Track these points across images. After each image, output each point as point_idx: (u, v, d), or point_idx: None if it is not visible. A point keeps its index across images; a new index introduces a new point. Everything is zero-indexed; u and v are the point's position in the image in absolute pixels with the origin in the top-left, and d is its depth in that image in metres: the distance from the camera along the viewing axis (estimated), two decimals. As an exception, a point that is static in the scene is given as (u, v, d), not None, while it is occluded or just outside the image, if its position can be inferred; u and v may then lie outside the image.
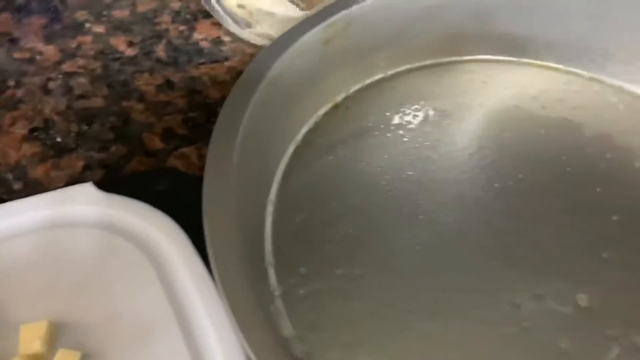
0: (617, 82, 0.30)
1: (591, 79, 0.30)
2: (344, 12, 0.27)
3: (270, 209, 0.25)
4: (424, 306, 0.21)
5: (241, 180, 0.22)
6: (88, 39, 0.34)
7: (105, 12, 0.36)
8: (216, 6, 0.33)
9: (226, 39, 0.34)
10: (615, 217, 0.24)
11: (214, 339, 0.20)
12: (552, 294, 0.22)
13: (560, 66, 0.30)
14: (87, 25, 0.35)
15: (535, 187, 0.25)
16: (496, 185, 0.25)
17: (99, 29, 0.35)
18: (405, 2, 0.29)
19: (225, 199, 0.20)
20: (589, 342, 0.21)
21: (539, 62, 0.31)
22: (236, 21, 0.33)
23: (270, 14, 0.34)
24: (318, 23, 0.26)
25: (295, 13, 0.34)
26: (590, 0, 0.28)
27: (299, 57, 0.26)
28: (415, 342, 0.21)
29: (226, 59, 0.32)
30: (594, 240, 0.23)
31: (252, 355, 0.16)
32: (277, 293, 0.22)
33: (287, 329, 0.21)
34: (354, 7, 0.27)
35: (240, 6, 0.34)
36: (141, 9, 0.36)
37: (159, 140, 0.28)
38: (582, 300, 0.22)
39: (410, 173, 0.26)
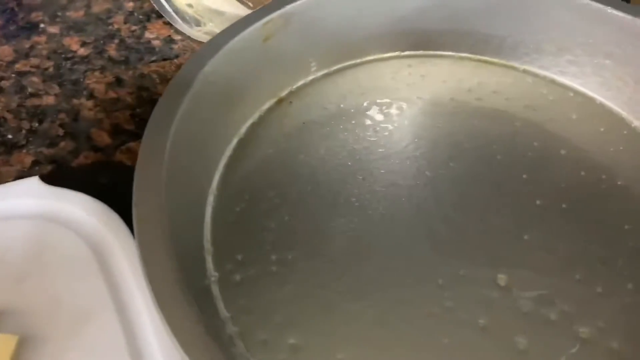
0: (548, 74, 0.31)
1: (525, 71, 0.32)
2: (282, 10, 0.28)
3: (210, 199, 0.26)
4: (352, 288, 0.23)
5: (177, 172, 0.23)
6: (42, 39, 0.35)
7: (59, 13, 0.36)
8: (166, 6, 0.34)
9: (177, 37, 0.35)
10: (538, 202, 0.25)
11: (149, 325, 0.21)
12: (474, 275, 0.23)
13: (496, 60, 0.32)
14: (42, 25, 0.36)
15: (465, 175, 0.26)
16: (427, 173, 0.27)
17: (54, 29, 0.35)
18: (341, 5, 0.30)
19: (155, 191, 0.21)
20: (505, 318, 0.22)
21: (476, 57, 0.32)
22: (186, 20, 0.34)
23: (219, 13, 0.35)
24: (256, 20, 0.27)
25: (245, 12, 0.35)
26: (518, 4, 0.30)
27: (237, 54, 0.27)
28: (342, 321, 0.22)
29: (176, 56, 0.33)
30: (516, 224, 0.25)
31: (171, 337, 0.17)
32: (213, 279, 0.23)
33: (222, 311, 0.22)
34: (293, 5, 0.28)
35: (189, 5, 0.35)
36: (95, 9, 0.37)
37: (107, 135, 0.29)
38: (502, 280, 0.23)
39: (348, 164, 0.27)
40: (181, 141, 0.24)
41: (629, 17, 0.28)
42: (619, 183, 0.26)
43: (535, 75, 0.31)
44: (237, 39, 0.27)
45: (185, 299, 0.18)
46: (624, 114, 0.29)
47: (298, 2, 0.28)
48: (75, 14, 0.36)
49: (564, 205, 0.25)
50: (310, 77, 0.31)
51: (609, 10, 0.28)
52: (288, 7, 0.28)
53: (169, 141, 0.23)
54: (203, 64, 0.26)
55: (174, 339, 0.17)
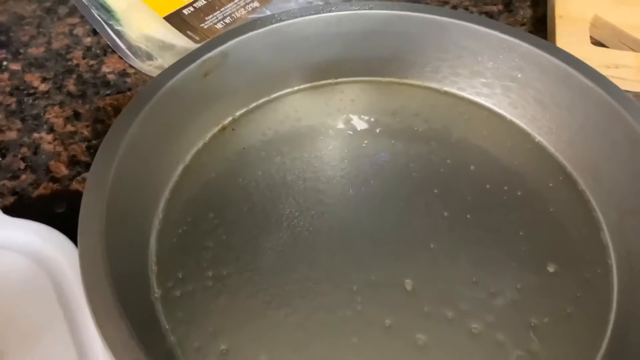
0: (466, 95, 0.34)
1: (445, 93, 0.35)
2: (219, 49, 0.31)
3: (156, 223, 0.29)
4: (277, 297, 0.26)
5: (123, 199, 0.26)
6: (5, 76, 0.38)
7: (22, 50, 0.39)
8: (118, 42, 0.37)
9: (131, 71, 0.38)
10: (446, 214, 0.29)
11: (97, 340, 0.24)
12: (384, 281, 0.26)
13: (419, 82, 0.35)
14: (5, 63, 0.38)
15: (382, 192, 0.30)
16: (350, 191, 0.30)
17: (16, 66, 0.38)
18: (279, 36, 0.33)
19: (99, 220, 0.24)
20: (409, 318, 0.25)
21: (401, 80, 0.35)
22: (138, 55, 0.37)
23: (170, 46, 0.38)
24: (195, 59, 0.30)
25: (193, 45, 0.38)
26: (437, 30, 0.33)
27: (180, 90, 0.30)
28: (267, 327, 0.25)
29: (129, 89, 0.36)
30: (425, 234, 0.28)
31: (107, 349, 0.20)
32: (156, 295, 0.26)
33: (163, 324, 0.25)
34: (228, 44, 0.31)
35: (144, 39, 0.38)
36: (55, 45, 0.40)
37: (64, 167, 0.32)
38: (408, 284, 0.26)
39: (281, 185, 0.30)
40: (127, 171, 0.27)
41: (525, 45, 0.31)
42: (518, 194, 0.30)
43: (455, 96, 0.35)
44: (178, 77, 0.30)
45: (121, 317, 0.21)
46: (528, 130, 0.32)
47: (232, 41, 0.31)
48: (36, 50, 0.39)
49: (468, 216, 0.29)
50: (252, 105, 0.34)
51: (509, 38, 0.31)
52: (223, 46, 0.31)
53: (113, 172, 0.26)
54: (147, 100, 0.29)
55: (109, 352, 0.20)
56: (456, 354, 0.24)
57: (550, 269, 0.27)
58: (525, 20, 0.41)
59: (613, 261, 0.27)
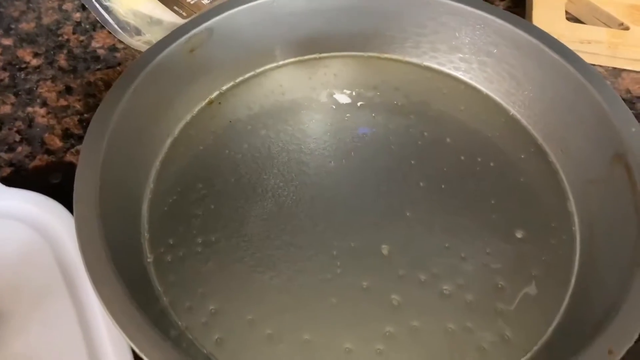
0: (445, 70, 0.36)
1: (425, 67, 0.36)
2: (204, 25, 0.32)
3: (148, 193, 0.30)
4: (263, 262, 0.28)
5: (116, 171, 0.28)
6: (-3, 51, 0.38)
7: (13, 26, 0.40)
8: (107, 17, 0.38)
9: (120, 46, 0.38)
10: (421, 184, 0.30)
11: (96, 302, 0.26)
12: (362, 246, 0.28)
13: (400, 57, 0.36)
14: (-3, 38, 0.39)
15: (362, 163, 0.31)
16: (331, 163, 0.31)
17: (8, 41, 0.39)
18: (263, 12, 0.34)
19: (94, 189, 0.25)
20: (384, 280, 0.27)
21: (383, 55, 0.37)
22: (127, 30, 0.38)
23: (158, 21, 0.39)
24: (181, 35, 0.31)
25: (181, 21, 0.39)
26: (415, 6, 0.34)
27: (167, 66, 0.31)
28: (254, 289, 0.27)
29: (119, 64, 0.37)
30: (401, 203, 0.30)
31: (104, 309, 0.22)
32: (149, 260, 0.28)
33: (156, 287, 0.27)
34: (215, 19, 0.33)
35: (132, 14, 0.39)
36: (45, 21, 0.40)
37: (59, 139, 0.33)
38: (385, 250, 0.28)
39: (266, 157, 0.32)
40: (118, 144, 0.28)
41: (499, 21, 0.32)
42: (491, 165, 0.31)
43: (434, 70, 0.36)
44: (164, 53, 0.31)
45: (116, 278, 0.23)
46: (503, 104, 0.34)
47: (217, 17, 0.32)
48: (27, 25, 0.40)
49: (443, 186, 0.30)
50: (238, 79, 0.36)
51: (485, 15, 0.33)
52: (209, 23, 0.32)
53: (105, 144, 0.27)
54: (136, 76, 0.30)
55: (105, 310, 0.22)
56: (428, 313, 0.26)
57: (519, 235, 0.29)
58: (505, -5, 0.42)
59: (577, 228, 0.29)
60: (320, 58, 0.37)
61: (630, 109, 0.29)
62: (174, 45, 0.31)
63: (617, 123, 0.28)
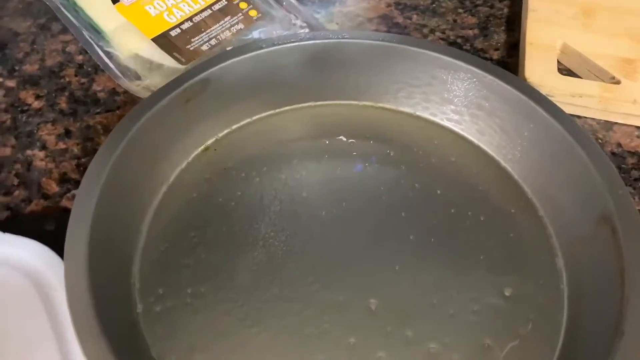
0: (437, 120, 0.36)
1: (418, 117, 0.37)
2: (200, 76, 0.33)
3: (141, 240, 0.31)
4: (250, 315, 0.28)
5: (109, 222, 0.28)
6: (1, 93, 0.39)
7: (17, 67, 0.41)
8: (108, 62, 0.39)
9: (120, 89, 0.39)
10: (411, 237, 0.31)
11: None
12: (350, 301, 0.28)
13: (393, 107, 0.37)
14: (1, 80, 0.40)
15: (354, 214, 0.32)
16: (323, 213, 0.32)
17: (11, 83, 0.40)
18: (258, 63, 0.35)
19: (85, 238, 0.26)
20: (371, 337, 0.27)
21: (376, 104, 0.37)
22: (127, 75, 0.39)
23: (158, 66, 0.40)
24: (177, 87, 0.32)
25: (180, 66, 0.39)
26: (408, 59, 0.35)
27: (163, 116, 0.32)
28: (240, 343, 0.27)
29: (118, 108, 0.38)
30: (391, 256, 0.30)
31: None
32: (138, 311, 0.28)
33: (144, 340, 0.27)
34: (210, 70, 0.33)
35: (133, 58, 0.40)
36: (49, 62, 0.41)
37: (55, 184, 0.34)
38: (373, 304, 0.28)
39: (257, 206, 0.32)
40: (112, 195, 0.29)
41: (489, 77, 0.33)
42: (481, 219, 0.32)
43: (426, 120, 0.36)
44: (161, 103, 0.32)
45: (103, 335, 0.23)
46: (494, 156, 0.34)
47: (213, 68, 0.33)
48: (31, 67, 0.41)
49: (432, 240, 0.31)
50: (234, 126, 0.36)
51: (476, 69, 0.33)
52: (204, 73, 0.33)
53: (98, 197, 0.28)
54: (133, 124, 0.31)
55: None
56: (414, 371, 0.26)
57: (507, 292, 0.29)
58: (499, 45, 0.42)
59: (565, 286, 0.29)
60: (315, 106, 0.37)
61: (622, 163, 0.29)
62: (170, 95, 0.32)
63: (604, 184, 0.28)
